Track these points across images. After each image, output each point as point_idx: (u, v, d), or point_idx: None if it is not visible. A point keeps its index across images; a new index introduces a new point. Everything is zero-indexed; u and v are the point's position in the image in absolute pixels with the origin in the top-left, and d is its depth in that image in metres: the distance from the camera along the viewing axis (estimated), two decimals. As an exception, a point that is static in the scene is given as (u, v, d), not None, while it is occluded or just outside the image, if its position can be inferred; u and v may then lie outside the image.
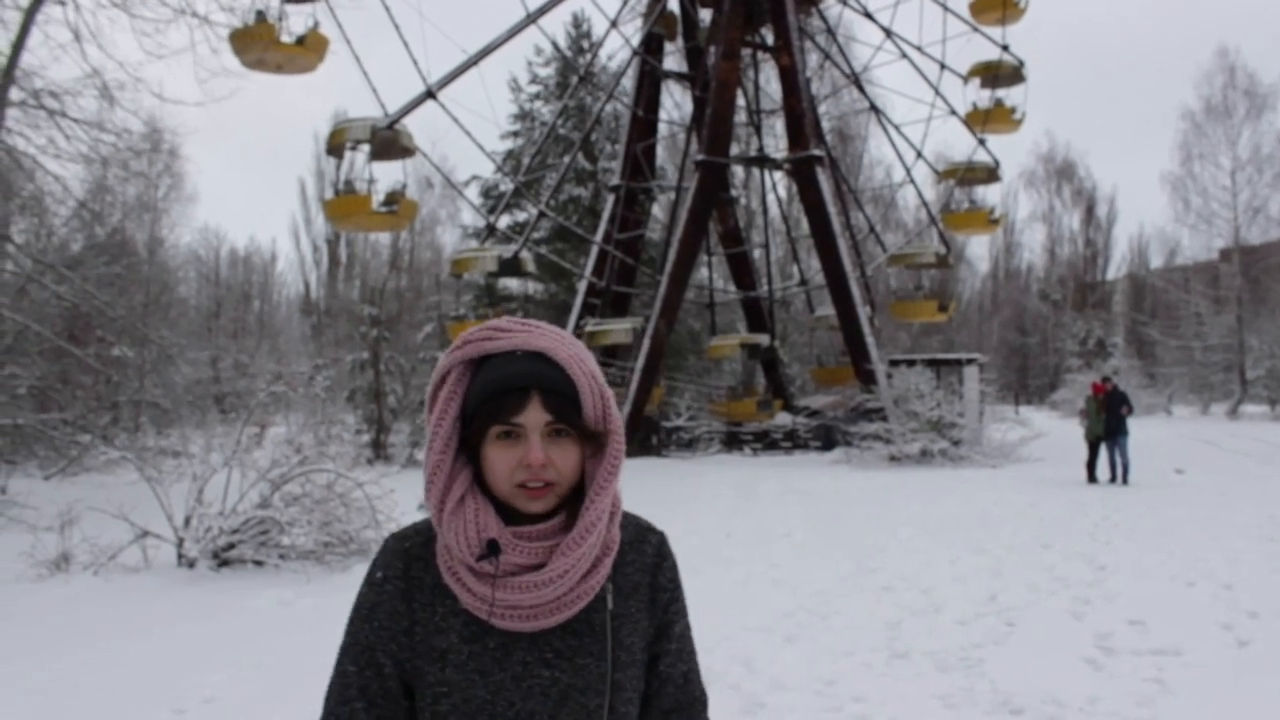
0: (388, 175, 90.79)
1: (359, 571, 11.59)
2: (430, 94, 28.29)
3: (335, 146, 29.15)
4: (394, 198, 28.81)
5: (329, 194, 31.45)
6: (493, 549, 1.67)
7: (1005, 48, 37.43)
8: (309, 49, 27.85)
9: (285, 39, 27.43)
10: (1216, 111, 57.81)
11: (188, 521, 11.85)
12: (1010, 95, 38.50)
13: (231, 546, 11.74)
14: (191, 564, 11.59)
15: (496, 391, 1.67)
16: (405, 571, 1.77)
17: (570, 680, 1.70)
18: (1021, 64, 37.67)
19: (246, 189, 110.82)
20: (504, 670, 1.68)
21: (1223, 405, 55.41)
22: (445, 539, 1.71)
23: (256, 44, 26.70)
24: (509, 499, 1.70)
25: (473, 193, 41.99)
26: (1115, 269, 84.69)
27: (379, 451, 29.54)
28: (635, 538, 1.86)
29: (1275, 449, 29.36)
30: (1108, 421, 21.28)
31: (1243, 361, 53.52)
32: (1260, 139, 57.47)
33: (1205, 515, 15.72)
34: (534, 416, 1.66)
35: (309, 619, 9.39)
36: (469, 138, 29.56)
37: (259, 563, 11.69)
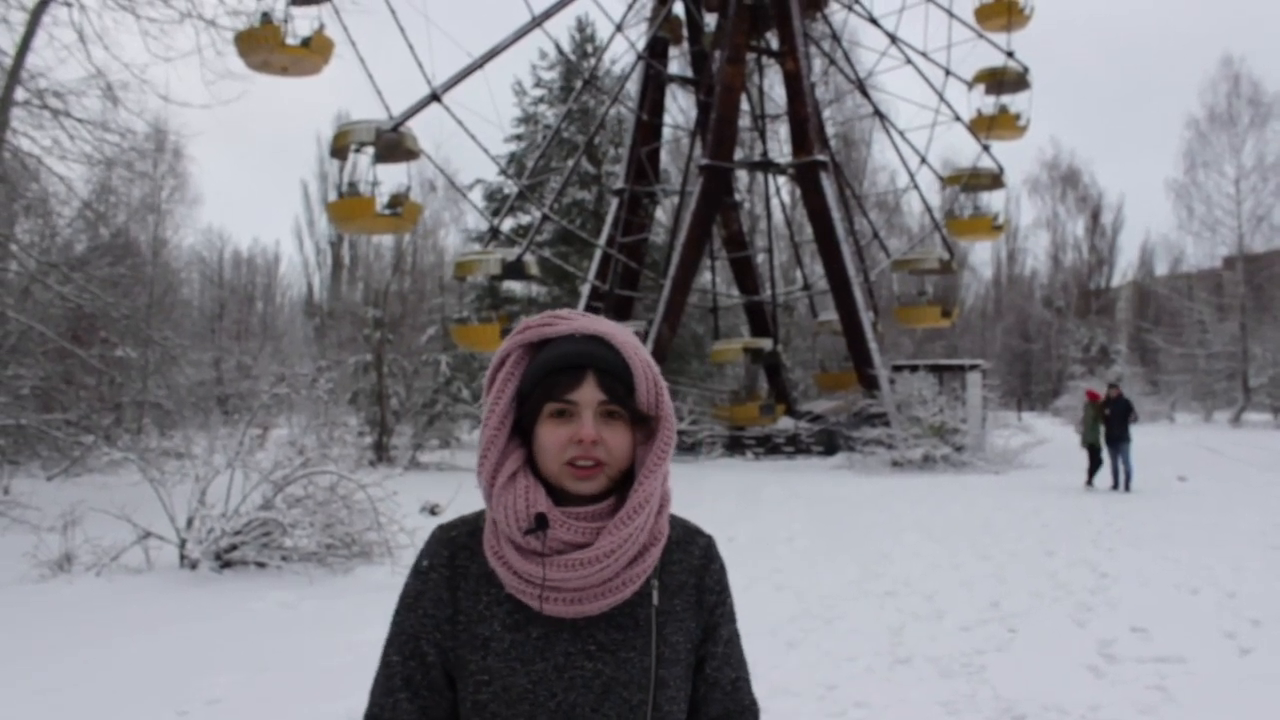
0: (392, 178, 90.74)
1: (361, 574, 11.61)
2: (435, 97, 28.31)
3: (339, 148, 29.19)
4: (398, 200, 28.84)
5: (333, 196, 31.41)
6: (541, 523, 1.67)
7: (1010, 54, 37.45)
8: (314, 51, 27.92)
9: (290, 41, 27.52)
10: (1221, 120, 57.88)
11: (190, 523, 11.84)
12: (1015, 102, 38.53)
13: (234, 548, 11.73)
14: (194, 565, 11.58)
15: (553, 369, 1.70)
16: (450, 560, 1.79)
17: (613, 673, 1.69)
18: (1026, 70, 37.67)
19: (251, 191, 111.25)
20: (546, 660, 1.69)
21: (1226, 413, 55.40)
22: (494, 513, 1.73)
23: (262, 46, 26.77)
24: (558, 479, 1.72)
25: (476, 196, 42.02)
26: (1120, 276, 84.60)
27: (381, 454, 29.54)
28: (683, 538, 1.86)
29: (1278, 457, 29.32)
30: (1111, 428, 21.26)
31: (1246, 369, 53.49)
32: (1264, 147, 57.49)
33: (1208, 523, 15.70)
34: (588, 394, 1.69)
35: (311, 621, 9.39)
36: (473, 141, 29.57)
37: (261, 564, 11.68)
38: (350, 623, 9.14)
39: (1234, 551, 12.86)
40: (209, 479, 12.15)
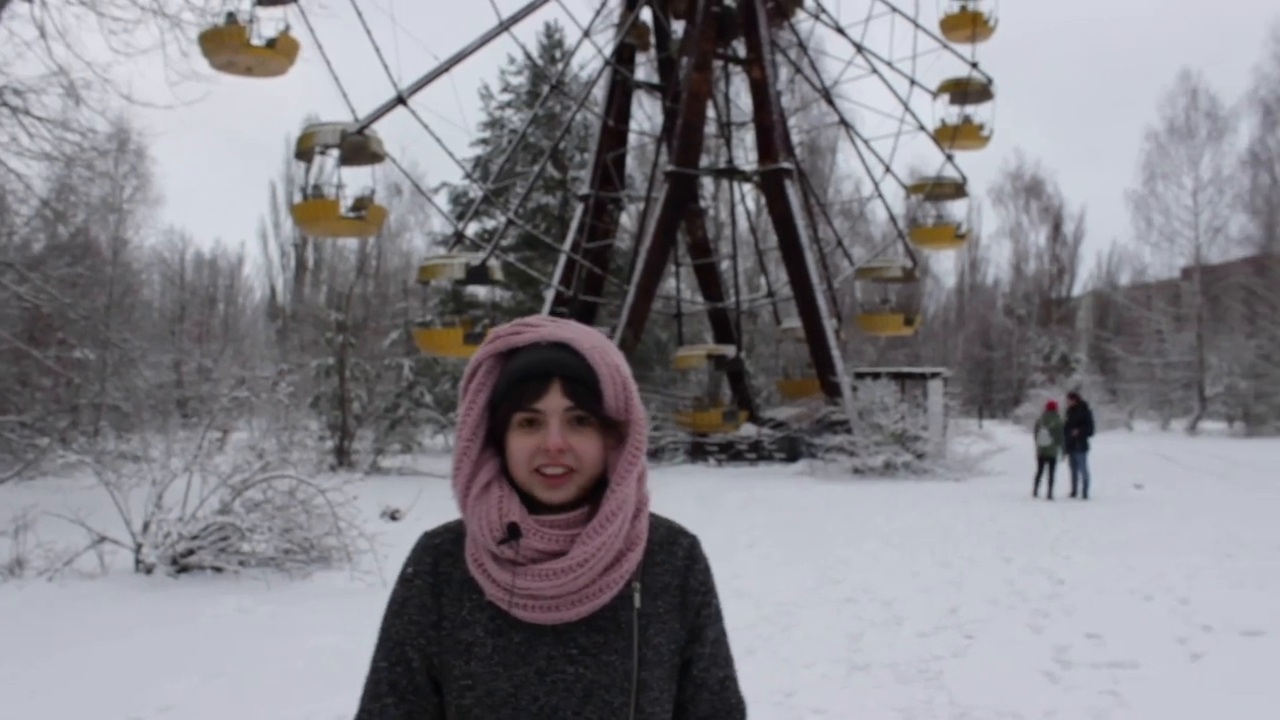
0: (357, 180, 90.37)
1: (320, 579, 11.53)
2: (401, 100, 28.19)
3: (304, 150, 29.00)
4: (363, 203, 28.68)
5: (298, 198, 31.20)
6: (513, 532, 1.69)
7: (974, 65, 37.78)
8: (280, 52, 27.71)
9: (256, 42, 27.27)
10: (1179, 132, 58.72)
11: (146, 527, 11.71)
12: (979, 112, 38.87)
13: (191, 553, 11.62)
14: (149, 570, 11.45)
15: (519, 378, 1.71)
16: (434, 567, 1.81)
17: (595, 677, 1.70)
18: (990, 81, 38.01)
19: (216, 192, 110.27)
20: (528, 664, 1.69)
21: (1182, 421, 56.11)
22: (469, 524, 1.75)
23: (227, 46, 26.55)
24: (528, 486, 1.73)
25: (442, 200, 41.87)
26: (1082, 285, 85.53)
27: (343, 458, 29.35)
28: (666, 539, 1.86)
29: (1233, 465, 29.71)
30: (1068, 436, 21.44)
31: (1202, 379, 54.18)
32: (1221, 160, 58.41)
33: (1164, 530, 15.89)
34: (554, 402, 1.69)
35: (268, 626, 9.32)
36: (439, 144, 29.47)
37: (218, 569, 11.58)
38: (308, 628, 9.08)
39: (1187, 559, 13.02)
40: (166, 482, 12.02)
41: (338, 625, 9.11)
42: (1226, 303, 55.47)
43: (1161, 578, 11.62)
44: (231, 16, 26.78)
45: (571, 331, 1.75)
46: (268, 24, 27.83)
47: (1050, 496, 21.26)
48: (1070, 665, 7.87)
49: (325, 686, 7.12)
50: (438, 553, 1.82)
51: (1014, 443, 34.04)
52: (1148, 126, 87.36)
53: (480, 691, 1.69)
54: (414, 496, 15.99)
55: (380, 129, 28.52)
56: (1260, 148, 57.45)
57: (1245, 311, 53.04)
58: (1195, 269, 58.17)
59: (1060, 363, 66.06)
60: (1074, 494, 21.26)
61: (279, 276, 72.76)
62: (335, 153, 28.28)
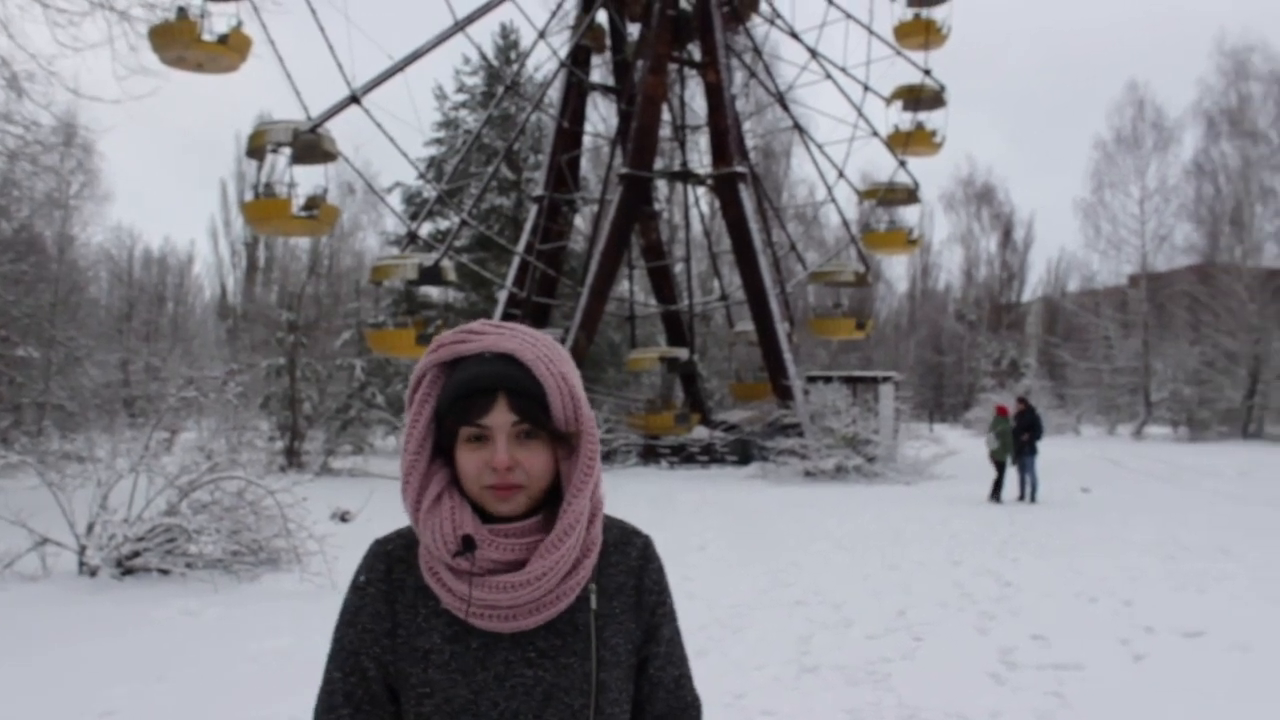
0: (309, 179, 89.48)
1: (268, 581, 11.41)
2: (354, 99, 28.02)
3: (256, 148, 28.74)
4: (315, 202, 28.46)
5: (249, 196, 30.88)
6: (468, 545, 1.66)
7: (927, 72, 38.16)
8: (231, 48, 27.40)
9: (207, 37, 26.94)
10: (1126, 142, 59.75)
11: (91, 528, 11.53)
12: (931, 119, 39.24)
13: (136, 555, 11.46)
14: (93, 573, 11.28)
15: (464, 394, 1.66)
16: (387, 574, 1.77)
17: (554, 680, 1.69)
18: (943, 88, 38.40)
19: (164, 189, 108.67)
20: (487, 670, 1.68)
21: (1128, 426, 56.98)
22: (422, 537, 1.71)
23: (177, 41, 26.19)
24: (479, 500, 1.70)
25: (395, 199, 41.64)
26: (1032, 291, 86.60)
27: (293, 459, 29.09)
28: (620, 540, 1.85)
29: (1177, 469, 30.21)
30: (1017, 441, 21.70)
31: (1148, 384, 55.09)
32: (1167, 170, 59.68)
33: (1109, 533, 16.12)
34: (500, 418, 1.65)
35: (215, 629, 9.21)
36: (393, 144, 29.30)
37: (165, 571, 11.43)
38: (255, 631, 8.99)
39: (1131, 561, 13.23)
40: (111, 483, 11.84)
41: (287, 628, 9.03)
42: (1172, 310, 56.39)
43: (1106, 580, 11.79)
44: (182, 11, 26.42)
45: (516, 341, 1.70)
46: (219, 19, 27.53)
47: (998, 500, 21.49)
48: (1016, 667, 7.97)
49: (274, 690, 7.05)
50: (390, 559, 1.79)
51: (964, 447, 34.41)
52: (1096, 136, 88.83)
53: (439, 699, 1.67)
54: (365, 498, 15.87)
55: (333, 128, 28.38)
56: (1204, 158, 58.54)
57: (1190, 319, 53.95)
58: (1142, 276, 59.16)
59: (1010, 368, 66.82)
60: (1022, 498, 21.52)
61: (230, 275, 72.03)
62: (287, 151, 28.06)
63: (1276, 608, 10.21)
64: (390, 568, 1.78)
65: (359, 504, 16.16)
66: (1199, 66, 74.74)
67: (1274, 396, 49.16)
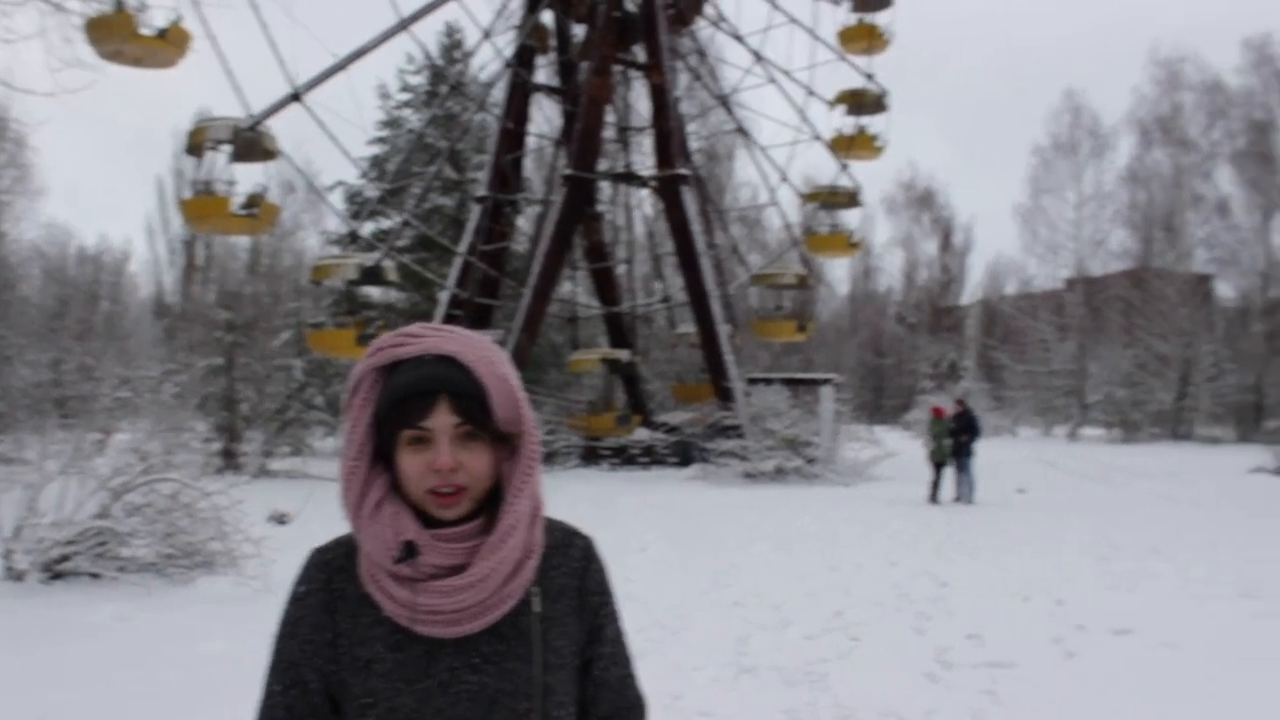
0: (249, 177, 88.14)
1: (203, 585, 11.26)
2: (296, 96, 27.73)
3: (195, 146, 28.28)
4: (255, 200, 28.11)
5: (187, 194, 30.39)
6: (410, 551, 1.65)
7: (870, 77, 38.51)
8: (170, 43, 26.88)
9: (145, 31, 26.43)
10: (1064, 148, 60.90)
11: (18, 531, 11.30)
12: (873, 123, 39.54)
13: (65, 558, 11.23)
14: (20, 577, 11.04)
15: (405, 396, 1.65)
16: (327, 584, 1.76)
17: (499, 685, 1.68)
18: (885, 93, 38.77)
19: (99, 185, 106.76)
20: (431, 677, 1.67)
21: (1064, 428, 57.94)
22: (363, 544, 1.70)
23: (114, 35, 25.61)
24: (422, 504, 1.68)
25: (337, 198, 41.12)
26: (971, 295, 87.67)
27: (230, 460, 28.69)
28: (561, 541, 1.85)
29: (1110, 470, 30.79)
30: (955, 442, 21.97)
31: (1083, 387, 56.05)
32: (1102, 176, 60.69)
33: (1043, 534, 16.39)
34: (442, 420, 1.65)
35: (148, 634, 9.07)
36: (334, 143, 29.07)
37: (95, 575, 11.21)
38: (189, 635, 8.87)
39: (1064, 560, 13.48)
40: (41, 485, 11.60)
41: (222, 632, 8.91)
42: (1106, 313, 57.49)
43: (1040, 580, 11.99)
44: (119, 4, 25.92)
45: (457, 343, 1.69)
46: (158, 13, 27.02)
47: (936, 501, 21.74)
48: (951, 665, 8.09)
49: (209, 696, 6.97)
50: (330, 569, 1.77)
51: (903, 448, 34.74)
52: (1035, 142, 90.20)
53: (382, 709, 1.66)
54: (303, 500, 15.71)
55: (274, 125, 28.04)
56: (1138, 166, 59.78)
57: (1124, 322, 55.03)
58: (1078, 280, 60.23)
59: (949, 370, 67.62)
60: (959, 499, 21.79)
61: (166, 274, 70.88)
62: (227, 148, 27.68)
63: (1204, 606, 10.45)
64: (330, 577, 1.77)
65: (297, 506, 15.98)
66: (1134, 75, 76.15)
67: (1204, 399, 50.25)
